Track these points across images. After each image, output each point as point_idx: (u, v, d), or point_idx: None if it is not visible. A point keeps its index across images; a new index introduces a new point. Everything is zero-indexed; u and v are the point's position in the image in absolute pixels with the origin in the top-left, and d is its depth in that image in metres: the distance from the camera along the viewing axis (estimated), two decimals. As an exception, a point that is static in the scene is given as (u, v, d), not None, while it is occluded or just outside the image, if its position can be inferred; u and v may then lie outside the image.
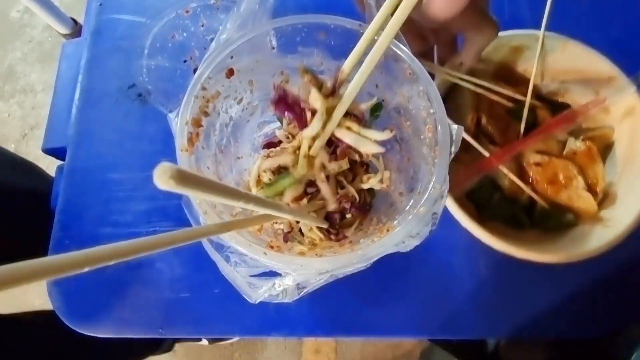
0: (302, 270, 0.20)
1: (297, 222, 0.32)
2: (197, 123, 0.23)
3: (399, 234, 0.20)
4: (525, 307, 0.40)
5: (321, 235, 0.32)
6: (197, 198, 0.20)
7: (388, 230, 0.21)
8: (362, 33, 0.23)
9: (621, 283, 0.41)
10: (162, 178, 0.11)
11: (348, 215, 0.32)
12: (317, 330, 0.41)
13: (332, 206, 0.27)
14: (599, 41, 0.48)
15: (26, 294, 1.06)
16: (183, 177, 0.11)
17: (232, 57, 0.24)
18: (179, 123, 0.22)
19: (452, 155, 0.22)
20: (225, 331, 0.42)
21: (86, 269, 0.14)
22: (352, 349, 0.99)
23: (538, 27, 0.38)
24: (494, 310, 0.40)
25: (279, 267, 0.21)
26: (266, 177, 0.32)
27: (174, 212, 0.45)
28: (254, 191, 0.34)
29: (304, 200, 0.29)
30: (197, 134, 0.23)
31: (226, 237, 0.20)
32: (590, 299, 0.40)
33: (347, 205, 0.31)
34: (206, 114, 0.24)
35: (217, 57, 0.24)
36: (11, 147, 1.30)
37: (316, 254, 0.23)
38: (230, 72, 0.25)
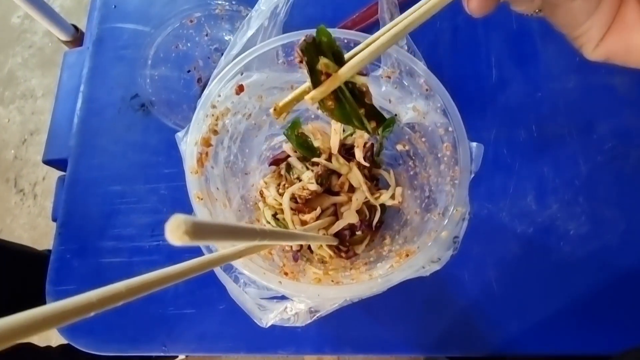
0: (319, 299, 0.19)
1: (307, 239, 0.31)
2: (206, 142, 0.22)
3: (420, 260, 0.19)
4: (533, 322, 0.39)
5: (331, 253, 0.31)
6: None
7: (407, 255, 0.20)
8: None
9: (631, 299, 0.40)
10: (175, 234, 0.10)
11: (358, 232, 0.32)
12: (325, 348, 0.40)
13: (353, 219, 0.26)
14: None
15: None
16: (198, 230, 0.10)
17: (242, 74, 0.23)
18: (188, 143, 0.21)
19: (473, 175, 0.21)
20: (230, 349, 0.41)
21: (93, 314, 0.13)
22: (355, 361, 0.97)
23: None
24: (500, 326, 0.39)
25: (295, 294, 0.20)
26: (270, 198, 0.32)
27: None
28: (261, 206, 0.33)
29: (315, 214, 0.28)
30: (207, 154, 0.22)
31: (240, 267, 0.19)
32: (598, 315, 0.39)
33: (357, 223, 0.30)
34: (215, 132, 0.23)
35: (227, 74, 0.23)
36: (11, 153, 1.29)
37: (332, 280, 0.22)
38: (240, 89, 0.24)
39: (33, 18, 1.20)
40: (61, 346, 0.72)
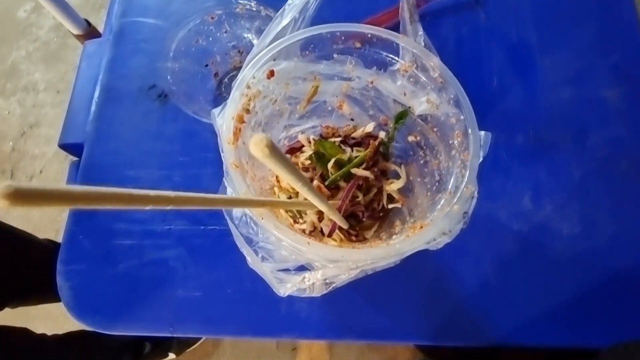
0: (342, 261, 0.21)
1: (320, 221, 0.33)
2: (240, 119, 0.24)
3: (433, 231, 0.21)
4: (526, 315, 0.41)
5: (342, 236, 0.33)
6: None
7: (422, 227, 0.22)
8: (397, 44, 0.25)
9: (618, 296, 0.42)
10: (258, 146, 0.13)
11: (364, 220, 0.34)
12: (328, 333, 0.41)
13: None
14: (600, 67, 0.51)
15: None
16: (274, 149, 0.13)
17: (274, 59, 0.26)
18: (225, 118, 0.23)
19: (481, 159, 0.23)
20: (236, 332, 0.42)
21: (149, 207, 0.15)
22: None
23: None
24: (496, 319, 0.41)
25: (318, 258, 0.22)
26: (285, 182, 0.34)
27: (188, 211, 0.45)
28: (277, 190, 0.35)
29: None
30: (240, 130, 0.24)
31: (271, 228, 0.21)
32: (588, 311, 0.41)
33: (361, 211, 0.32)
34: (248, 111, 0.25)
35: (262, 59, 0.25)
36: (9, 145, 1.29)
37: (353, 248, 0.24)
38: (272, 74, 0.26)
39: (39, 12, 1.20)
40: (55, 335, 0.71)
